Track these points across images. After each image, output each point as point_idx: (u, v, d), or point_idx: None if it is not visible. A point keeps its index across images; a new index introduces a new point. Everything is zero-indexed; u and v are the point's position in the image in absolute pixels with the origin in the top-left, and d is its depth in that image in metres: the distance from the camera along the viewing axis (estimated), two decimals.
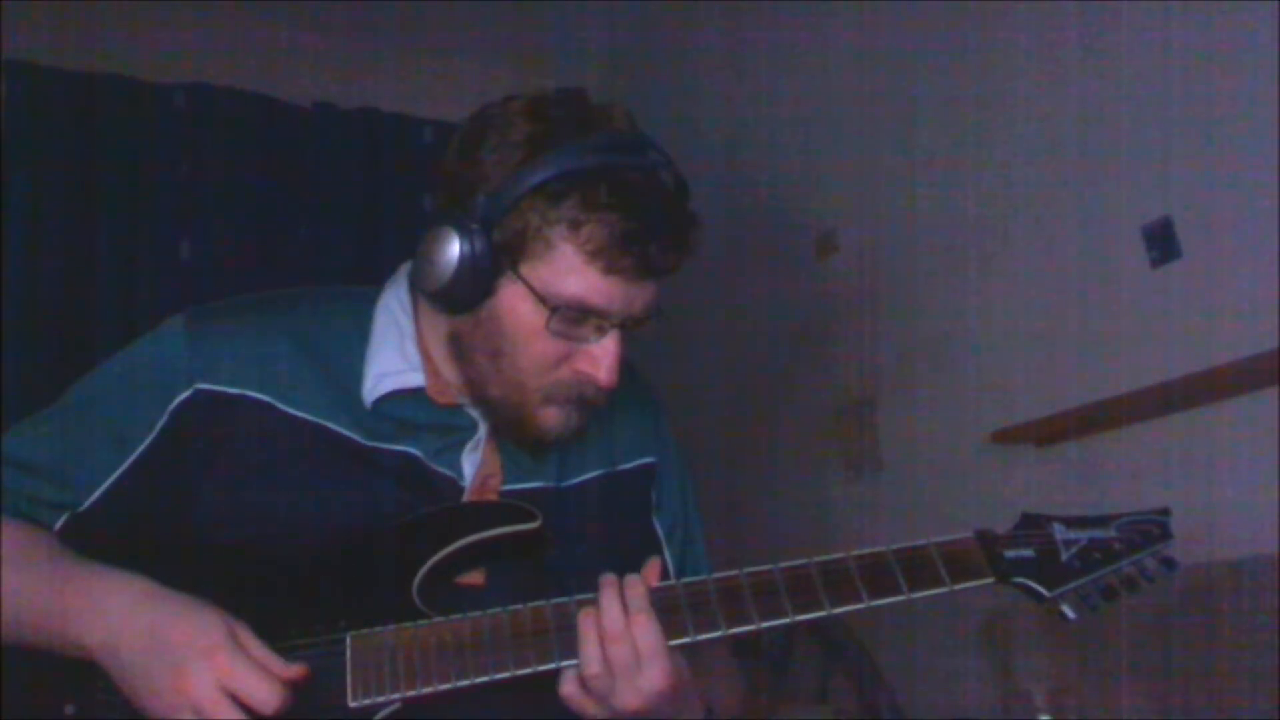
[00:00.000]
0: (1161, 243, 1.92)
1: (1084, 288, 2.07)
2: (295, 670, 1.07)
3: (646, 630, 1.08)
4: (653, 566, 1.15)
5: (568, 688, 1.11)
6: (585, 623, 1.10)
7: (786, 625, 1.14)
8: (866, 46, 2.65)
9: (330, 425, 1.19)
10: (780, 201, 2.95)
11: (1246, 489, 1.73)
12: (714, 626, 1.12)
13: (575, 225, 1.12)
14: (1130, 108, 1.98)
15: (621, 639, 1.08)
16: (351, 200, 3.41)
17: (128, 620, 1.07)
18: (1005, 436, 2.19)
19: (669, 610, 1.11)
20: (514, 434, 1.23)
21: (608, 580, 1.12)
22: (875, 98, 2.61)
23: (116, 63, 3.20)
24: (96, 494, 1.17)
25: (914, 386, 2.48)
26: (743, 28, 3.13)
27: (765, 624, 1.13)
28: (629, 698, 1.08)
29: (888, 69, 2.58)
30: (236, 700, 1.04)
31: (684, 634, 1.11)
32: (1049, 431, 2.10)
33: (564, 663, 1.11)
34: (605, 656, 1.08)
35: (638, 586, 1.11)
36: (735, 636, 1.13)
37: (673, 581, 1.15)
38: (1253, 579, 1.66)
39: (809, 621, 1.14)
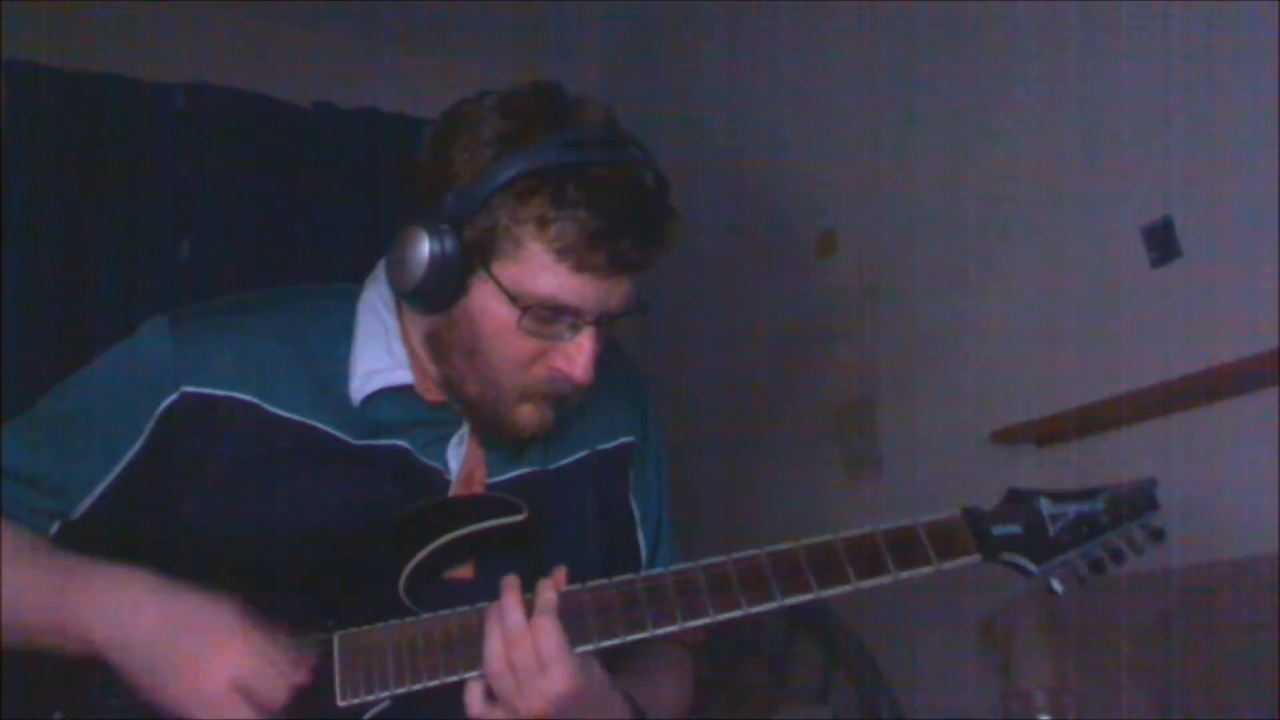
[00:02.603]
0: (1161, 243, 1.91)
1: (1084, 288, 2.07)
2: (304, 676, 1.07)
3: (548, 633, 1.07)
4: (560, 572, 1.13)
5: (474, 702, 1.09)
6: (491, 621, 1.09)
7: (775, 610, 1.13)
8: (866, 46, 2.65)
9: (317, 425, 1.19)
10: (780, 201, 2.95)
11: (1246, 489, 1.72)
12: (645, 625, 1.11)
13: (543, 224, 1.11)
14: (1130, 108, 1.98)
15: (522, 641, 1.07)
16: (351, 200, 3.40)
17: (136, 613, 1.07)
18: (1005, 436, 2.18)
19: (575, 614, 1.10)
20: (491, 432, 1.23)
21: (510, 581, 1.11)
22: (875, 97, 2.61)
23: (116, 63, 3.19)
24: (87, 501, 1.17)
25: (914, 386, 2.48)
26: (743, 28, 3.12)
27: (745, 613, 1.12)
28: (534, 701, 1.07)
29: (888, 68, 2.58)
30: (245, 696, 1.04)
31: (589, 640, 1.10)
32: (1049, 431, 2.10)
33: (468, 674, 1.09)
34: (508, 659, 1.07)
35: (547, 590, 1.10)
36: (661, 636, 1.13)
37: (602, 581, 1.13)
38: (1253, 579, 1.66)
39: (799, 610, 1.14)
